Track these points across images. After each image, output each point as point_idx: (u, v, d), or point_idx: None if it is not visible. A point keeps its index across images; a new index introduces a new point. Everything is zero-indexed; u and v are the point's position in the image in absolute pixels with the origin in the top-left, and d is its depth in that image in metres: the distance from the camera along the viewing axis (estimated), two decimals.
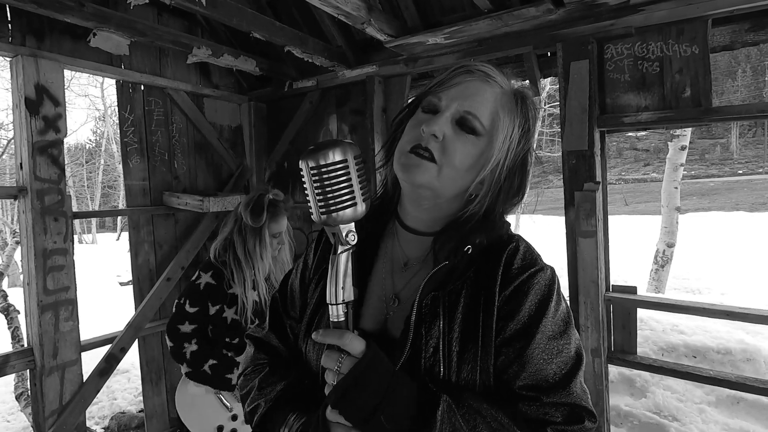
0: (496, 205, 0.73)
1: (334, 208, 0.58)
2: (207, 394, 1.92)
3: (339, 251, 0.61)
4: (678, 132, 5.01)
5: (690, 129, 5.19)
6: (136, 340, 2.90)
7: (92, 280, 9.71)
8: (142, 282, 3.00)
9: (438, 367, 0.64)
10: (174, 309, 1.89)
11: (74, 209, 2.57)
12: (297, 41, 2.64)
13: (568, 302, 0.79)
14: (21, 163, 2.33)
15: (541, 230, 12.03)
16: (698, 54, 2.06)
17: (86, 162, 24.48)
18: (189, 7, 2.15)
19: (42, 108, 2.34)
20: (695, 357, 3.16)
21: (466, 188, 0.71)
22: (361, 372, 0.59)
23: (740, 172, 30.13)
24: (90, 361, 2.70)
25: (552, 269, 0.72)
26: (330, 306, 0.61)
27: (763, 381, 2.10)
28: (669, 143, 5.16)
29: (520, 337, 0.65)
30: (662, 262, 5.37)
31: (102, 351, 2.75)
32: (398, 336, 0.68)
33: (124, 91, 2.91)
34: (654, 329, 3.43)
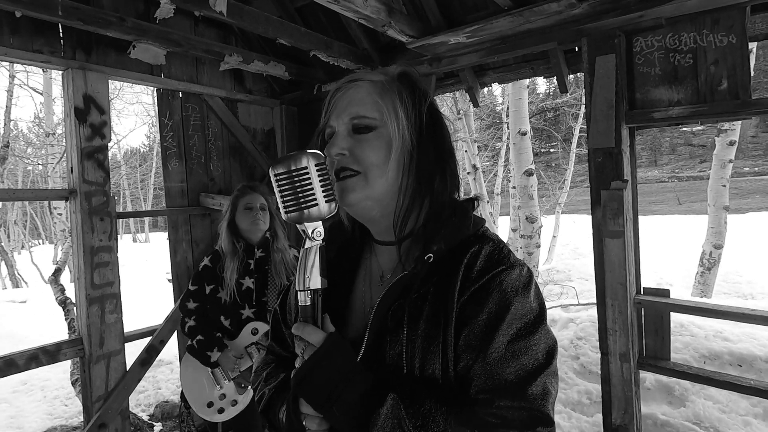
0: (425, 182, 0.73)
1: (297, 207, 0.66)
2: (203, 371, 2.12)
3: (307, 246, 0.69)
4: (726, 126, 4.70)
5: (739, 123, 4.85)
6: (175, 333, 3.07)
7: (144, 277, 10.31)
8: (180, 278, 3.18)
9: (402, 370, 0.67)
10: None
11: (129, 209, 2.79)
12: (322, 46, 2.71)
13: (543, 299, 0.74)
14: (71, 168, 2.54)
15: (581, 231, 11.62)
16: (735, 44, 1.94)
17: (140, 165, 26.03)
18: (218, 17, 2.26)
19: (89, 116, 2.53)
20: (740, 366, 2.96)
21: (400, 183, 0.73)
22: (317, 360, 0.64)
23: None
24: (137, 351, 2.89)
25: (523, 267, 0.70)
26: (298, 292, 0.68)
27: None
28: (716, 138, 4.84)
29: (478, 341, 0.65)
30: (709, 264, 5.05)
31: (144, 342, 2.93)
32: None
33: (163, 98, 3.09)
34: (695, 335, 3.24)
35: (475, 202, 0.79)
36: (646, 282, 2.35)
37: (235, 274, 2.14)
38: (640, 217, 2.31)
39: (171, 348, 3.43)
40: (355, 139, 0.72)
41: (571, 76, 2.78)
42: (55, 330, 5.65)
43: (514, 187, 5.95)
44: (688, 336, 3.24)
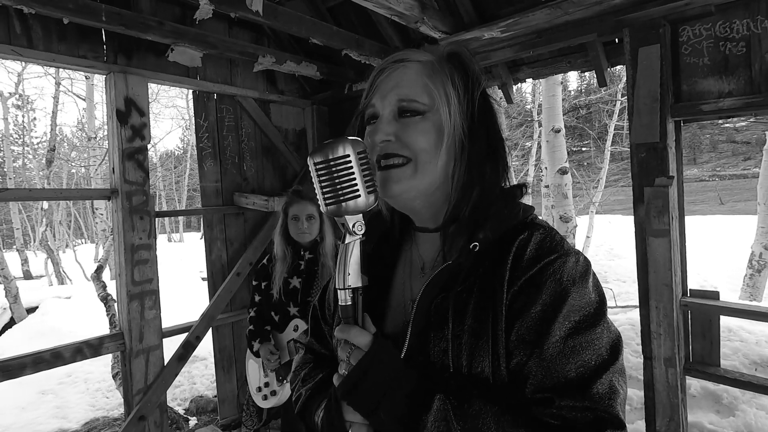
0: (476, 172, 0.68)
1: (337, 199, 0.62)
2: (258, 358, 2.36)
3: (346, 240, 0.65)
4: None
5: None
6: (210, 330, 3.14)
7: (178, 275, 10.61)
8: (215, 276, 3.25)
9: (448, 368, 0.63)
10: None
11: (165, 209, 2.86)
12: (353, 44, 2.71)
13: (603, 293, 0.68)
14: (113, 168, 2.63)
15: (617, 232, 11.21)
16: None
17: (174, 167, 26.90)
18: (252, 18, 2.30)
19: (130, 118, 2.62)
20: None
21: (449, 170, 0.69)
22: (367, 365, 0.61)
23: None
24: (173, 347, 2.96)
25: (578, 255, 0.64)
26: (338, 291, 0.65)
27: None
28: (767, 133, 4.56)
29: (533, 336, 0.60)
30: (758, 266, 4.77)
31: (181, 338, 3.01)
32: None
33: (199, 100, 3.16)
34: (745, 341, 3.06)
35: (524, 188, 0.74)
36: (690, 284, 2.23)
37: (284, 275, 2.29)
38: None
39: (206, 344, 3.50)
40: (401, 124, 0.68)
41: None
42: (98, 325, 5.88)
43: (546, 186, 5.79)
44: (737, 341, 3.07)
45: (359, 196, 0.62)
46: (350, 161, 0.62)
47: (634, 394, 2.86)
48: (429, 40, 2.73)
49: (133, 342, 2.63)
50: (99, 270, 4.40)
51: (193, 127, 3.30)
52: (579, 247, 8.34)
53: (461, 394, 0.60)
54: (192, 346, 2.99)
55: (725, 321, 3.18)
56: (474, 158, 0.68)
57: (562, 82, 5.24)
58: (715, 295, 2.12)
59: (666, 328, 2.04)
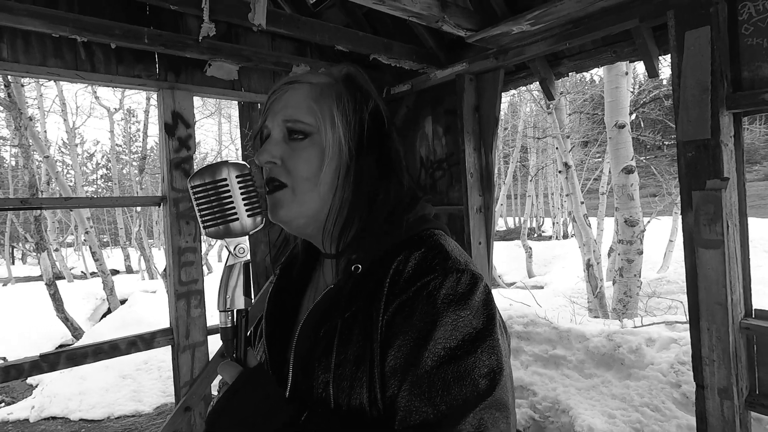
0: (364, 194, 0.65)
1: (215, 222, 0.62)
2: None
3: (228, 263, 0.64)
4: None
5: None
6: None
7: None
8: (259, 277, 3.40)
9: (329, 401, 0.60)
10: None
11: None
12: (381, 48, 2.69)
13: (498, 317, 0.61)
14: (163, 177, 2.86)
15: None
16: None
17: None
18: (281, 32, 2.37)
19: (177, 130, 2.82)
20: None
21: (332, 196, 0.67)
22: (227, 399, 0.59)
23: None
24: (219, 344, 3.14)
25: (461, 274, 0.57)
26: (219, 313, 0.64)
27: None
28: None
29: (404, 365, 0.55)
30: None
31: None
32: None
33: (244, 110, 3.33)
34: None
35: (415, 202, 0.69)
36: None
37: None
38: None
39: None
40: (290, 147, 0.67)
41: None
42: None
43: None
44: None
45: (237, 219, 0.62)
46: (227, 185, 0.62)
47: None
48: (456, 39, 2.63)
49: (180, 338, 2.83)
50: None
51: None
52: (659, 252, 7.54)
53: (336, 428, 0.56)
54: None
55: None
56: (360, 182, 0.66)
57: (627, 72, 4.75)
58: None
59: (720, 354, 1.77)
